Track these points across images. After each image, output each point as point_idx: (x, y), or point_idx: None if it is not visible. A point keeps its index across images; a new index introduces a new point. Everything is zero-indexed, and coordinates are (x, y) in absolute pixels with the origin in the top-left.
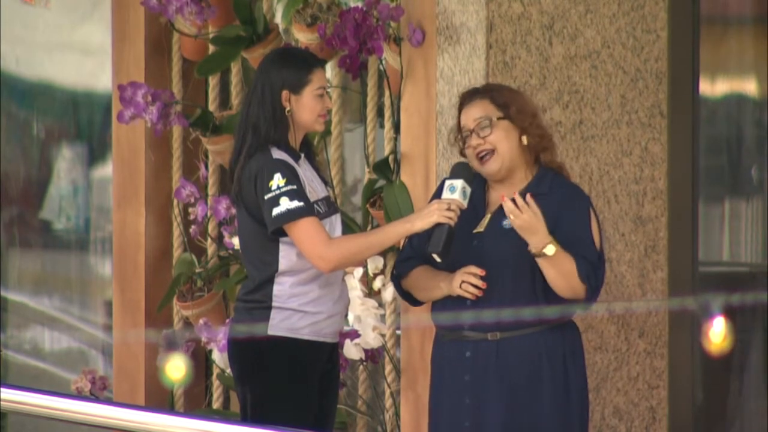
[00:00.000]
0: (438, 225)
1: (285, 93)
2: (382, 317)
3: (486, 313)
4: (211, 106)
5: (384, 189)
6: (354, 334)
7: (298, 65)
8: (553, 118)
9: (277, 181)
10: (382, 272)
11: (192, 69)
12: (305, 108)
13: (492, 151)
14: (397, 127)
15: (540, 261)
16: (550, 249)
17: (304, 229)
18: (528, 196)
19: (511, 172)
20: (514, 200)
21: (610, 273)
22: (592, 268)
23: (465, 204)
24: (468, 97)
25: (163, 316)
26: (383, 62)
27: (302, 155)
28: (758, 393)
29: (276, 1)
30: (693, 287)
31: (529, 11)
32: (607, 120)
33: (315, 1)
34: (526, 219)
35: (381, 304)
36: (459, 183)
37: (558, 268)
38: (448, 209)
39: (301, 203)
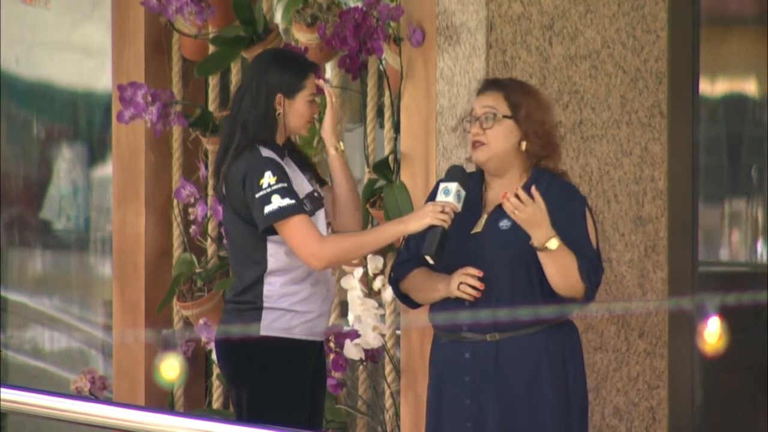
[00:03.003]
0: (432, 227)
1: (279, 96)
2: (382, 317)
3: (484, 314)
4: (211, 106)
5: (384, 189)
6: (354, 334)
7: (295, 70)
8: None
9: (268, 179)
10: (382, 272)
11: (192, 69)
12: (296, 113)
13: (485, 144)
14: (397, 127)
15: (542, 255)
16: (553, 243)
17: (296, 227)
18: (533, 189)
19: (504, 170)
20: (517, 196)
21: (610, 273)
22: (592, 266)
23: (459, 207)
24: (486, 85)
25: (163, 316)
26: (383, 62)
27: (286, 152)
28: (758, 393)
29: (276, 1)
30: (693, 287)
31: (529, 11)
32: (607, 120)
33: (315, 1)
34: (530, 212)
35: (381, 304)
36: (453, 186)
37: (559, 264)
38: (442, 212)
39: (293, 201)
